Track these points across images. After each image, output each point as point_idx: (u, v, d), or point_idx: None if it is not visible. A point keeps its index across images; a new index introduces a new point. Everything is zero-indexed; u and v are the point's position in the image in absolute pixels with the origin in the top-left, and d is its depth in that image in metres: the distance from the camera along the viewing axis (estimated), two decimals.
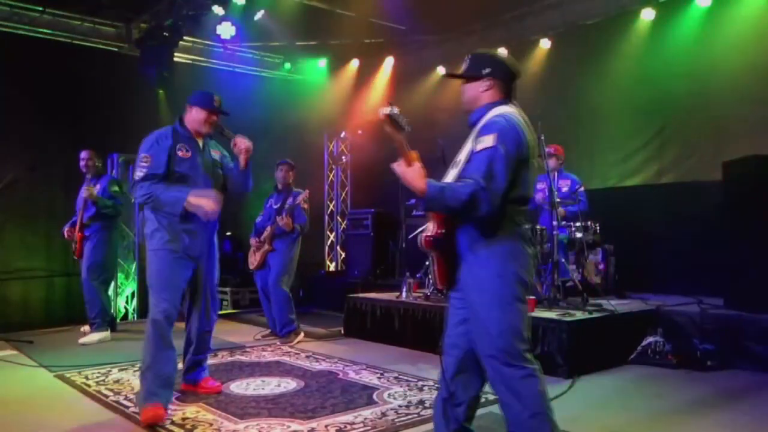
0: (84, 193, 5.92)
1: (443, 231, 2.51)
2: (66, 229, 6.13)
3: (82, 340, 5.90)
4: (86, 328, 6.16)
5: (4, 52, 6.83)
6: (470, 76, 2.63)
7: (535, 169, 2.53)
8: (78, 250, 6.03)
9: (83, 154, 6.14)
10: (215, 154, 4.00)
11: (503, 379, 2.42)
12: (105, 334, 6.04)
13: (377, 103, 9.28)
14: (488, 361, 2.46)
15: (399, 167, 2.39)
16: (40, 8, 7.06)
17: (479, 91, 2.61)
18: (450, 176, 2.52)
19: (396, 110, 2.41)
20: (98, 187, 5.99)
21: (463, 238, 2.49)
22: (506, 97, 2.61)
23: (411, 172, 2.36)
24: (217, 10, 7.05)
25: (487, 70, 2.58)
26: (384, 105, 2.43)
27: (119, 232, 6.56)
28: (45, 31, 7.20)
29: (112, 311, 6.64)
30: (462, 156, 2.51)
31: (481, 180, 2.30)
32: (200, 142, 3.93)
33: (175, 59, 7.85)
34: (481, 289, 2.44)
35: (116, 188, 6.15)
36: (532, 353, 2.48)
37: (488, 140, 2.37)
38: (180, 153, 3.76)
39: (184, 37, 7.58)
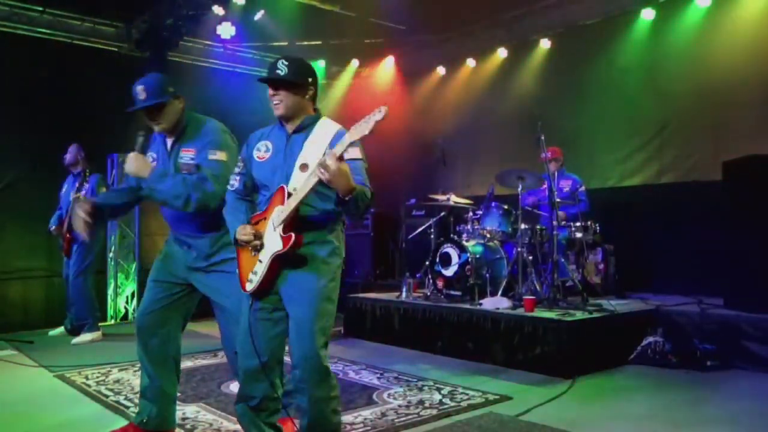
0: (71, 196, 5.84)
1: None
2: (53, 227, 6.08)
3: (74, 341, 5.92)
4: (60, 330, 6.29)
5: (4, 52, 6.83)
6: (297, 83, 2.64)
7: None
8: (66, 249, 6.03)
9: (71, 148, 6.11)
10: None
11: None
12: (97, 334, 6.05)
13: (377, 103, 9.29)
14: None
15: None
16: (40, 8, 7.05)
17: (306, 99, 2.68)
18: (300, 181, 2.52)
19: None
20: (86, 186, 5.93)
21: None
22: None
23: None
24: (217, 10, 7.04)
25: (311, 80, 2.67)
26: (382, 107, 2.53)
27: (105, 233, 6.53)
28: (45, 30, 7.19)
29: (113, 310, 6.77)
30: (309, 160, 2.59)
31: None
32: None
33: (176, 59, 7.86)
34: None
35: (104, 189, 6.05)
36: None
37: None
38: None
39: (184, 37, 7.58)
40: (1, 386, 4.39)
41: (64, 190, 6.19)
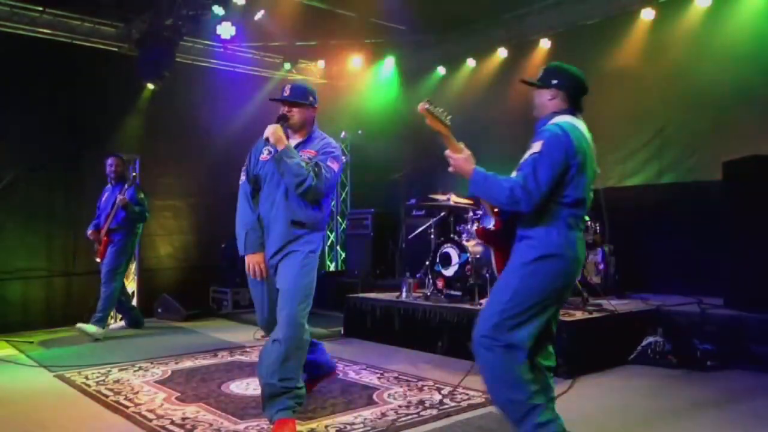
0: (118, 200, 6.21)
1: (500, 228, 2.83)
2: (90, 231, 6.39)
3: (79, 325, 6.04)
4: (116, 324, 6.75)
5: (4, 52, 6.83)
6: (541, 85, 2.83)
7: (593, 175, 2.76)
8: (101, 252, 6.31)
9: (110, 161, 6.47)
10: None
11: (485, 360, 2.70)
12: (102, 331, 6.10)
13: (377, 103, 9.28)
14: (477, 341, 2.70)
15: (449, 154, 2.74)
16: (40, 8, 7.05)
17: (546, 99, 2.83)
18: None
19: (432, 105, 2.72)
20: (127, 192, 6.29)
21: (513, 234, 2.76)
22: (571, 109, 2.81)
23: (460, 158, 2.74)
24: (217, 10, 7.03)
25: (555, 81, 2.81)
26: (423, 101, 2.74)
27: (137, 238, 6.80)
28: (45, 31, 7.19)
29: (135, 312, 6.95)
30: (522, 160, 2.75)
31: (524, 180, 2.57)
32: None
33: (176, 59, 7.84)
34: (505, 274, 2.74)
35: (142, 195, 6.48)
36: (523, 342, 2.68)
37: (535, 146, 2.64)
38: None
39: (184, 37, 7.57)
40: (1, 386, 4.39)
41: (104, 198, 6.49)
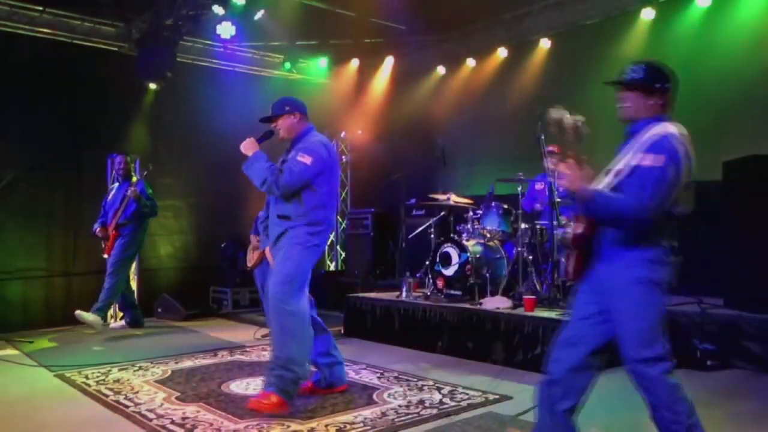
0: (129, 192, 6.35)
1: (588, 232, 2.65)
2: (97, 228, 6.50)
3: (78, 312, 6.15)
4: (116, 323, 6.87)
5: (4, 52, 6.83)
6: (640, 87, 2.63)
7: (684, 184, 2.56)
8: (109, 248, 6.43)
9: (118, 159, 6.66)
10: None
11: (644, 380, 2.62)
12: (98, 320, 6.24)
13: (377, 103, 9.28)
14: (632, 366, 2.61)
15: (567, 168, 2.56)
16: (40, 8, 7.05)
17: (647, 103, 2.62)
18: (604, 183, 2.62)
19: (578, 121, 2.69)
20: (137, 188, 6.42)
21: (605, 240, 2.60)
22: (667, 112, 2.66)
23: (582, 177, 2.53)
24: (217, 10, 7.04)
25: (658, 85, 2.62)
26: (564, 112, 2.73)
27: (146, 234, 6.89)
28: (45, 30, 7.19)
29: (137, 311, 6.94)
30: (620, 165, 2.60)
31: (644, 197, 2.40)
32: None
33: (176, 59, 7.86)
34: (627, 298, 2.57)
35: (151, 191, 6.64)
36: (667, 350, 2.66)
37: (657, 160, 2.43)
38: None
39: (184, 37, 7.58)
40: (1, 386, 4.38)
41: (111, 196, 6.62)
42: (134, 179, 6.59)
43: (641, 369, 2.58)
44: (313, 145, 3.80)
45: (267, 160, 3.73)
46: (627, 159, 2.57)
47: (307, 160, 3.68)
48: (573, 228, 2.71)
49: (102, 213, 6.61)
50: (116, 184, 6.68)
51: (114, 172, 6.73)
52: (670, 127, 2.55)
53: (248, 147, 3.79)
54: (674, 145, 2.47)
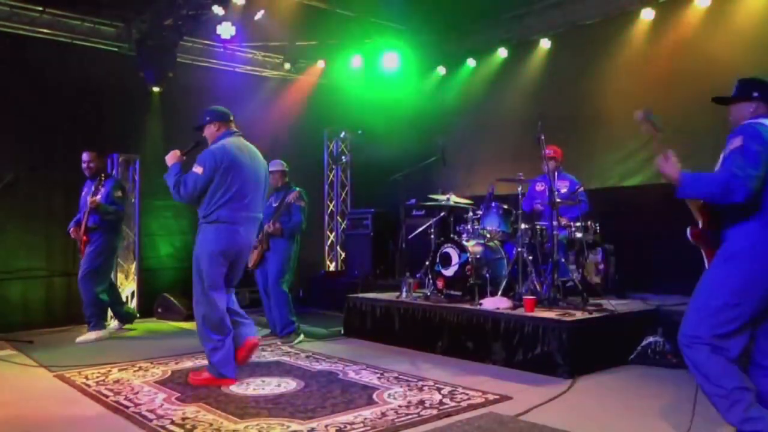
0: (88, 201, 6.02)
1: (709, 228, 3.02)
2: (71, 228, 6.24)
3: (78, 339, 5.97)
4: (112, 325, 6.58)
5: (5, 52, 6.83)
6: (740, 99, 3.07)
7: None
8: (83, 250, 6.17)
9: (85, 156, 6.22)
10: None
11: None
12: (102, 333, 6.12)
13: (377, 103, 9.28)
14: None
15: (659, 161, 2.96)
16: (40, 8, 7.04)
17: (749, 111, 3.00)
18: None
19: (651, 114, 3.05)
20: (102, 190, 6.07)
21: (723, 230, 2.94)
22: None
23: (669, 165, 2.93)
24: (217, 10, 7.03)
25: (756, 94, 3.00)
26: (639, 109, 3.09)
27: (120, 236, 6.63)
28: (45, 31, 7.19)
29: (125, 308, 6.78)
30: (723, 153, 2.94)
31: (734, 169, 2.72)
32: None
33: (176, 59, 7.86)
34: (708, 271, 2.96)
35: (119, 193, 6.24)
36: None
37: (736, 141, 2.82)
38: None
39: (184, 37, 7.57)
40: (1, 386, 4.38)
41: (83, 194, 6.29)
42: (102, 178, 6.14)
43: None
44: (205, 153, 4.25)
45: (178, 172, 4.27)
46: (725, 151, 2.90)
47: (198, 170, 4.19)
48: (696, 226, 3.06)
49: (78, 210, 6.28)
50: (88, 181, 6.27)
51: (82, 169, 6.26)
52: (759, 120, 2.90)
53: (170, 158, 4.34)
54: (753, 126, 2.82)
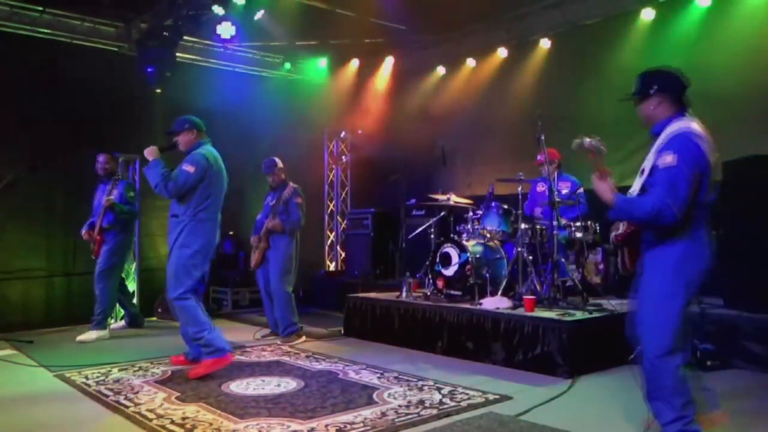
0: (104, 201, 6.17)
1: (630, 231, 2.96)
2: (84, 231, 6.33)
3: (79, 338, 5.99)
4: (117, 323, 6.79)
5: (4, 52, 6.82)
6: (640, 96, 2.90)
7: (715, 172, 2.76)
8: (96, 252, 6.27)
9: (101, 158, 6.41)
10: None
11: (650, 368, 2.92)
12: (103, 333, 6.14)
13: (377, 103, 9.29)
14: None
15: (594, 178, 2.85)
16: (40, 8, 7.05)
17: (650, 109, 2.89)
18: (636, 184, 2.89)
19: (594, 141, 2.94)
20: (115, 192, 6.25)
21: (646, 235, 2.89)
22: (681, 109, 2.84)
23: (603, 185, 2.82)
24: (217, 10, 7.03)
25: (654, 88, 2.85)
26: (583, 137, 2.96)
27: (133, 235, 6.78)
28: (45, 31, 7.19)
29: (135, 309, 6.96)
30: (646, 166, 2.85)
31: (665, 196, 2.63)
32: None
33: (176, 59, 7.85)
34: (649, 286, 2.91)
35: (132, 194, 6.46)
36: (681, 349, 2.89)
37: (670, 159, 2.67)
38: None
39: (184, 37, 7.57)
40: (1, 386, 4.38)
41: (96, 197, 6.43)
42: (115, 180, 6.34)
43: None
44: (197, 155, 4.52)
45: (164, 167, 4.47)
46: (650, 159, 2.78)
47: (190, 169, 4.43)
48: (622, 228, 3.00)
49: (92, 213, 6.44)
50: (101, 184, 6.44)
51: (97, 171, 6.40)
52: (681, 126, 2.73)
53: (150, 153, 4.54)
54: (687, 146, 2.66)
